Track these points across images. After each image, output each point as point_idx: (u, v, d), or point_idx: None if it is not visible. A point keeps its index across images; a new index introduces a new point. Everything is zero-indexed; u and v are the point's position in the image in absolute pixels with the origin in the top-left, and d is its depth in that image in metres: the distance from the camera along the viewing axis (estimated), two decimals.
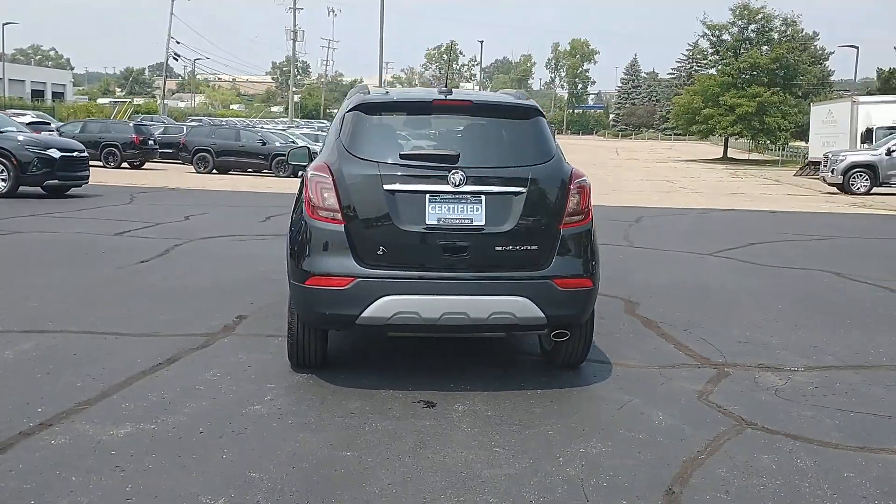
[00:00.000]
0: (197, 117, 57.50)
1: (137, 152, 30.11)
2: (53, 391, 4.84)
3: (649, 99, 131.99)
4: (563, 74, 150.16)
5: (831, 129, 36.98)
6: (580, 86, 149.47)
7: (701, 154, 64.89)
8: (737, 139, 65.12)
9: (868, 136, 32.82)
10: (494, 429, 4.45)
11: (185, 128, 35.93)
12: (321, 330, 5.19)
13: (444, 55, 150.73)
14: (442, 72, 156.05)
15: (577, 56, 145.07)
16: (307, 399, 4.85)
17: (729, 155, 61.83)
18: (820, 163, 39.21)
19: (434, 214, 4.84)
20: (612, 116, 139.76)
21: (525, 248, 4.90)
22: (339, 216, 4.85)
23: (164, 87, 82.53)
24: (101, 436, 4.19)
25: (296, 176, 28.74)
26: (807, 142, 66.94)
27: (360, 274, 4.79)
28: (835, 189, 27.70)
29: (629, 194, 23.67)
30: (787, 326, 6.98)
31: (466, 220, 4.85)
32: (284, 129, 40.28)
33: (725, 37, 59.24)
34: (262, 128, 38.41)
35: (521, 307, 4.85)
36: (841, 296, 8.48)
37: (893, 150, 26.78)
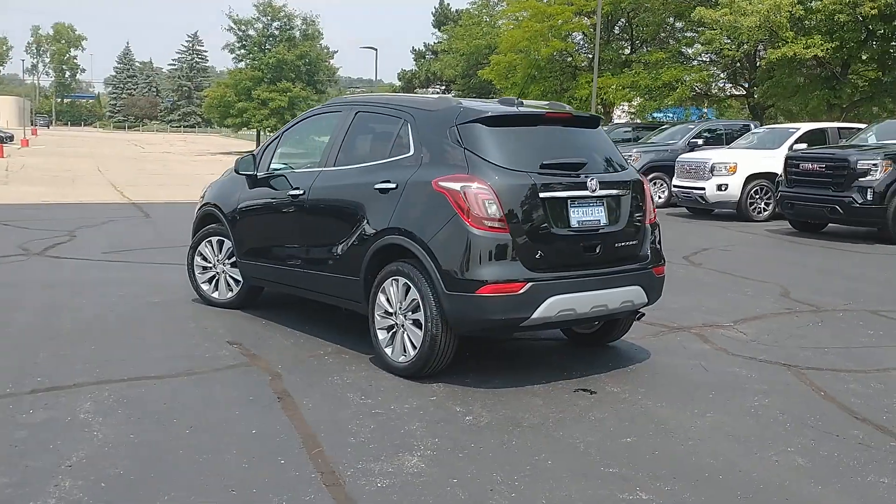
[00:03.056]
0: None
1: None
2: (250, 440, 4.31)
3: (149, 90, 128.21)
4: (47, 60, 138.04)
5: None
6: (68, 73, 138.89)
7: (235, 147, 65.71)
8: (268, 132, 67.40)
9: None
10: (672, 402, 5.15)
11: None
12: (460, 337, 5.29)
13: None
14: None
15: (63, 41, 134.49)
16: (493, 405, 4.98)
17: None
18: None
19: (575, 218, 5.33)
20: (108, 107, 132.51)
21: (632, 243, 5.65)
22: (503, 225, 5.06)
23: None
24: (407, 471, 4.01)
25: None
26: None
27: (531, 278, 5.09)
28: None
29: None
30: None
31: (596, 222, 5.43)
32: None
33: (251, 32, 60.79)
34: None
35: (637, 295, 5.60)
36: None
37: None
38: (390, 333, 5.55)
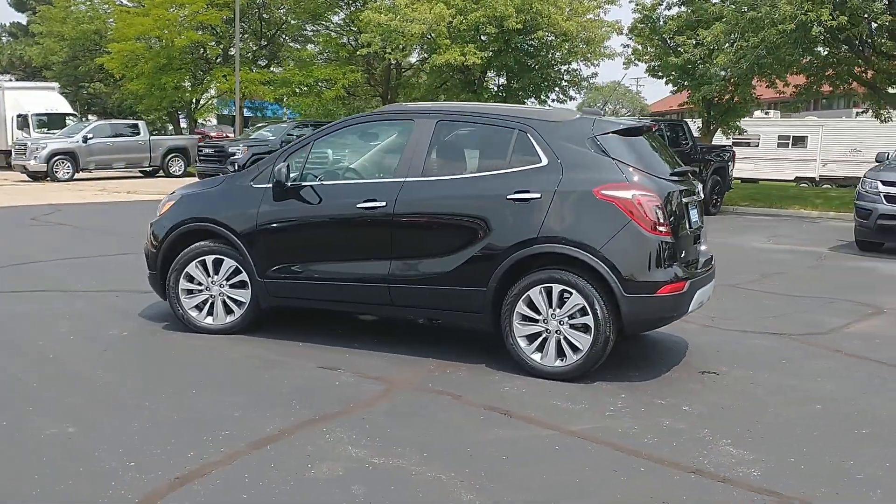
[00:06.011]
0: None
1: None
2: (569, 457, 4.36)
3: None
4: None
5: None
6: None
7: None
8: None
9: (25, 122, 32.84)
10: (772, 373, 6.01)
11: None
12: None
13: None
14: None
15: None
16: (674, 395, 5.42)
17: None
18: None
19: (691, 219, 5.96)
20: None
21: (703, 240, 6.42)
22: (669, 229, 5.52)
23: None
24: (745, 461, 4.39)
25: None
26: None
27: (688, 276, 5.64)
28: (34, 177, 27.51)
29: None
30: None
31: (697, 222, 6.12)
32: None
33: None
34: None
35: (713, 286, 6.39)
36: None
37: (89, 138, 28.33)
38: (536, 341, 5.62)
